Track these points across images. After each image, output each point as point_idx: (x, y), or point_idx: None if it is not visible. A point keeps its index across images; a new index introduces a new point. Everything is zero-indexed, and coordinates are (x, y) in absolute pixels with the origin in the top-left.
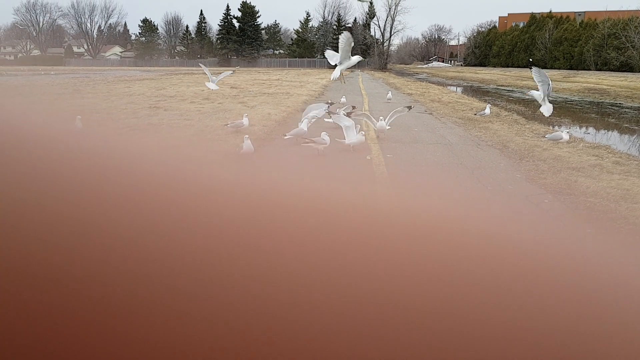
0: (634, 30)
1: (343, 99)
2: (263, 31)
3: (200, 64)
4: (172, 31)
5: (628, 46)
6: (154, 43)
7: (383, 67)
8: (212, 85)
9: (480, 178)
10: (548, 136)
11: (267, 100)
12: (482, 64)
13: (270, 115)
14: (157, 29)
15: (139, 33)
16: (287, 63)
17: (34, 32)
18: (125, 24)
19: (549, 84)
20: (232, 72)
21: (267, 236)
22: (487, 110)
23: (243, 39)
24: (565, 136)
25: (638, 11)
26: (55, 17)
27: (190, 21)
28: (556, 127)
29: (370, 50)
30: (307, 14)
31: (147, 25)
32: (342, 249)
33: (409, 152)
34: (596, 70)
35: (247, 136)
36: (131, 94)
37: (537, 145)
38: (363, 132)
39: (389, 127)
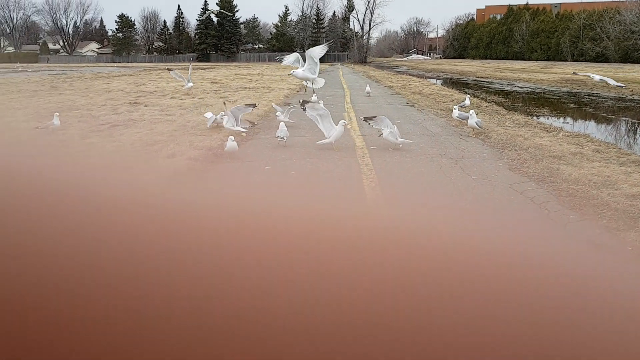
0: (609, 21)
1: (314, 97)
2: (242, 26)
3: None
4: (149, 27)
5: (603, 37)
6: (131, 39)
7: (363, 61)
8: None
9: (465, 168)
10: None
11: (248, 94)
12: (460, 56)
13: (253, 110)
14: (134, 25)
15: (116, 29)
16: (266, 57)
17: (7, 29)
18: (101, 19)
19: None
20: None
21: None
22: (467, 101)
23: (222, 33)
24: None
25: (612, 2)
26: (29, 14)
27: (168, 16)
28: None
29: (349, 44)
30: (286, 8)
31: (124, 21)
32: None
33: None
34: (572, 61)
35: (231, 137)
36: (110, 90)
37: (519, 134)
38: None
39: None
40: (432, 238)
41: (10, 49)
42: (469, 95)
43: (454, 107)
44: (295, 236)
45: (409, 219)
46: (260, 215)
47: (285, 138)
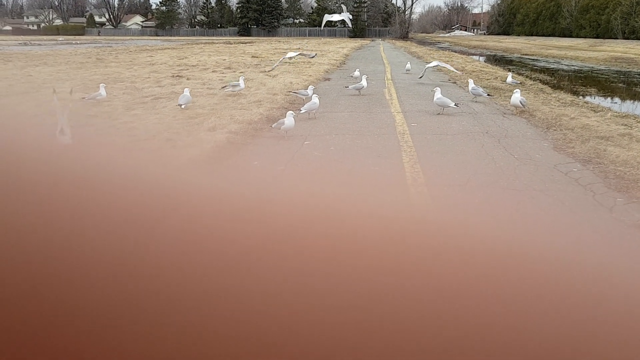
0: None
1: (357, 73)
2: (283, 0)
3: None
4: (192, 0)
5: None
6: (174, 12)
7: (404, 36)
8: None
9: (507, 147)
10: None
11: (288, 69)
12: (505, 32)
13: (292, 84)
14: None
15: (160, 2)
16: (307, 32)
17: (55, 2)
18: None
19: None
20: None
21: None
22: (509, 79)
23: (263, 7)
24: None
25: None
26: None
27: None
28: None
29: (391, 19)
30: None
31: None
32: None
33: (433, 121)
34: (623, 39)
35: (291, 112)
36: (153, 63)
37: (565, 114)
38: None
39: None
40: (469, 224)
41: (58, 22)
42: (511, 73)
43: (469, 80)
44: (331, 219)
45: (448, 200)
46: (294, 196)
47: (302, 111)
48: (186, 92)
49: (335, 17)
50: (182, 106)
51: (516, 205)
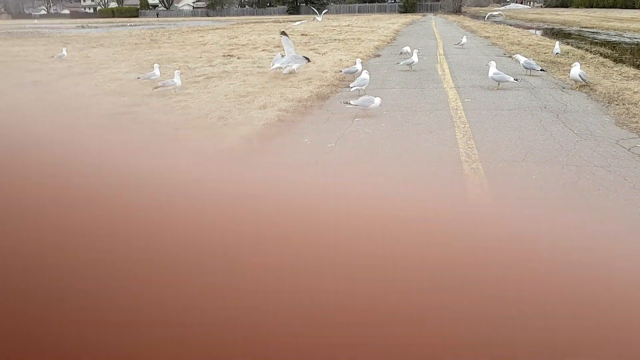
0: None
1: (406, 48)
2: None
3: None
4: None
5: None
6: None
7: (457, 10)
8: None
9: (567, 122)
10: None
11: (338, 46)
12: (564, 4)
13: (342, 61)
14: None
15: None
16: (356, 9)
17: None
18: None
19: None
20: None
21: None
22: (557, 47)
23: None
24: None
25: None
26: None
27: None
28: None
29: None
30: None
31: None
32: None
33: (488, 96)
34: None
35: (378, 98)
36: (205, 43)
37: (627, 88)
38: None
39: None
40: (524, 203)
41: (113, 4)
42: (558, 41)
43: (517, 54)
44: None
45: (504, 178)
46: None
47: (352, 88)
48: (301, 61)
49: None
50: (284, 70)
51: (576, 181)
